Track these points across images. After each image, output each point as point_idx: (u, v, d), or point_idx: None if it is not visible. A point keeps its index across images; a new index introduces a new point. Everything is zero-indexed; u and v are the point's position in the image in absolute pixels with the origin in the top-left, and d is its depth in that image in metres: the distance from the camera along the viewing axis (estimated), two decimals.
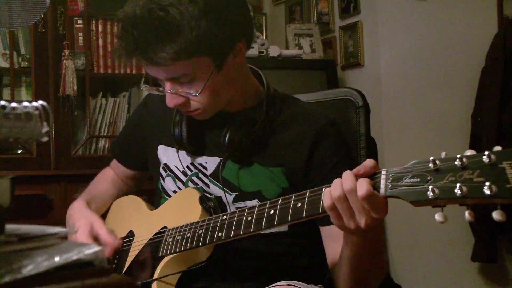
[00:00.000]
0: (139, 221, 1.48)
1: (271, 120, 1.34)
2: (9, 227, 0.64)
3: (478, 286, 2.97)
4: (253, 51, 3.04)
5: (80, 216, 1.46)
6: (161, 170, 1.45)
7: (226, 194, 1.33)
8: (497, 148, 0.83)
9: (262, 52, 3.12)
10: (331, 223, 1.28)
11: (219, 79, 1.25)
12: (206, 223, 1.24)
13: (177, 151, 1.39)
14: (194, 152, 1.39)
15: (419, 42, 3.02)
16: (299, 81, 3.05)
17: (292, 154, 1.32)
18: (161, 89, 1.30)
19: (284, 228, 1.33)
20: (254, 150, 1.32)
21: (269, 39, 3.59)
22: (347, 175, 1.00)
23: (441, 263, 2.99)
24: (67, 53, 2.84)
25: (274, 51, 3.14)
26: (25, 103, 0.66)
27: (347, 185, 0.99)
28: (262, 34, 3.63)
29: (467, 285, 2.99)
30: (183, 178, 1.40)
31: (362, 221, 1.00)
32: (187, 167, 1.39)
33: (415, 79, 3.03)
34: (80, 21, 2.98)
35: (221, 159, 1.35)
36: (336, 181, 1.01)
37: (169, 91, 1.26)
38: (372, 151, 1.52)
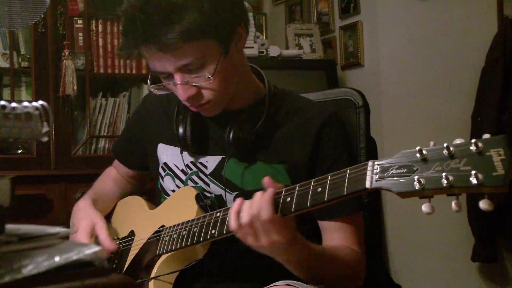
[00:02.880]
0: (139, 221, 1.48)
1: (273, 117, 1.34)
2: (9, 227, 0.64)
3: (478, 286, 2.97)
4: (253, 51, 3.04)
5: (84, 215, 1.47)
6: (160, 170, 1.46)
7: (227, 193, 1.33)
8: (486, 135, 0.81)
9: (262, 52, 3.12)
10: (327, 218, 1.30)
11: (226, 65, 1.25)
12: (201, 220, 1.24)
13: (181, 152, 1.39)
14: (197, 151, 1.39)
15: (419, 42, 3.02)
16: (299, 81, 3.05)
17: (295, 149, 1.32)
18: (171, 83, 1.26)
19: None
20: (257, 147, 1.33)
21: (269, 39, 3.59)
22: (257, 196, 1.09)
23: (441, 263, 2.98)
24: (67, 53, 2.84)
25: (274, 51, 3.14)
26: (25, 103, 0.66)
27: (253, 209, 1.07)
28: (262, 34, 3.63)
29: (467, 285, 2.99)
30: (183, 177, 1.40)
31: (263, 241, 1.09)
32: (187, 165, 1.39)
33: (415, 79, 3.03)
34: (80, 21, 2.98)
35: (222, 158, 1.35)
36: (246, 204, 1.09)
37: (181, 82, 1.23)
38: (372, 151, 1.53)
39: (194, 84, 1.24)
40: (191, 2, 1.17)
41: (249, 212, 1.08)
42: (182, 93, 1.25)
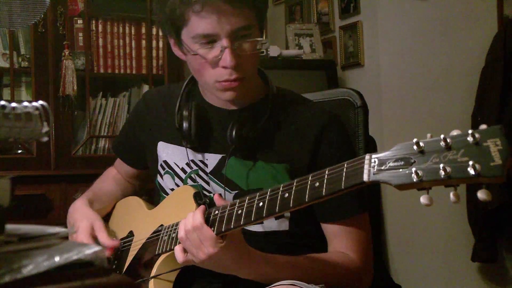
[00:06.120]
0: (138, 221, 1.48)
1: (275, 116, 1.34)
2: (9, 227, 0.64)
3: (478, 286, 2.97)
4: None
5: (81, 216, 1.46)
6: (159, 168, 1.45)
7: (226, 192, 1.33)
8: (483, 126, 0.81)
9: (262, 52, 3.12)
10: (328, 221, 1.30)
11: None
12: None
13: (186, 147, 1.38)
14: (199, 148, 1.38)
15: (419, 42, 3.02)
16: (299, 81, 3.05)
17: (296, 150, 1.32)
18: (216, 47, 1.23)
19: (284, 227, 1.33)
20: (258, 146, 1.33)
21: (269, 39, 3.59)
22: (199, 209, 1.16)
23: (441, 263, 2.99)
24: (67, 53, 2.84)
25: (274, 51, 3.14)
26: (25, 103, 0.66)
27: (191, 222, 1.14)
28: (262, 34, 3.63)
29: (467, 285, 2.99)
30: (183, 176, 1.40)
31: (199, 254, 1.14)
32: (187, 164, 1.39)
33: (415, 79, 3.03)
34: (80, 21, 2.98)
35: (222, 156, 1.35)
36: (189, 216, 1.16)
37: (231, 46, 1.22)
38: (371, 151, 1.52)
39: (243, 52, 1.24)
40: None
41: (183, 225, 1.17)
42: (231, 59, 1.22)
